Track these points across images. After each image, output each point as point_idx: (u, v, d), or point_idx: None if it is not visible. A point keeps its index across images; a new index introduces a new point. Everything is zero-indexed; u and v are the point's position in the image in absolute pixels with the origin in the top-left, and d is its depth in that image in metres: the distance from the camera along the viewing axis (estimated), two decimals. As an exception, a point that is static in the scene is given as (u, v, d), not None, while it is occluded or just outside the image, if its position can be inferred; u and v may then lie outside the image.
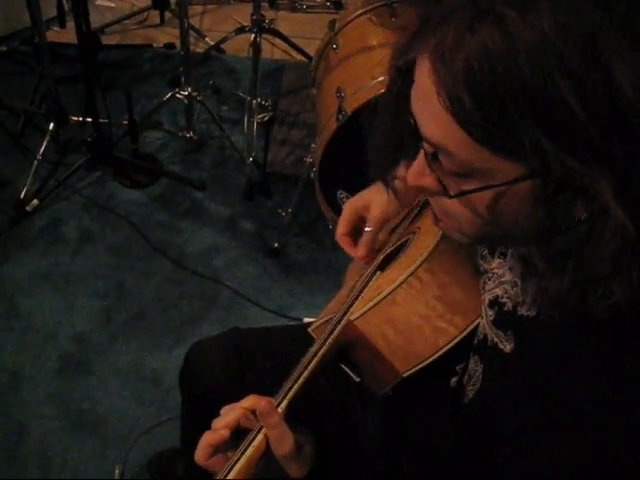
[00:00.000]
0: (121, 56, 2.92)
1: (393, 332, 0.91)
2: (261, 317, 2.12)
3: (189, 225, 2.37)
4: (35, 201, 2.32)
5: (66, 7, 2.70)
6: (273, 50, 3.02)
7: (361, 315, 0.92)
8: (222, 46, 2.94)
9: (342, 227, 1.17)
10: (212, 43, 2.96)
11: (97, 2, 3.18)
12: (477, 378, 0.90)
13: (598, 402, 0.72)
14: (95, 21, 2.53)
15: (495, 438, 0.82)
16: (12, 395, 1.91)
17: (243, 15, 2.94)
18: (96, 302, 2.13)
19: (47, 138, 2.40)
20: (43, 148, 2.39)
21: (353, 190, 1.19)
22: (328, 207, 2.16)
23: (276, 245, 2.29)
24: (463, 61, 0.64)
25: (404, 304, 0.92)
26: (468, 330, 0.92)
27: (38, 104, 2.52)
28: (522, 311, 0.81)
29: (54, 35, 2.78)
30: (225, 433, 0.85)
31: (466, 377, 0.93)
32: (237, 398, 0.89)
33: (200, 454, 0.86)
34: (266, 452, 0.84)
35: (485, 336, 0.88)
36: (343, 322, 0.93)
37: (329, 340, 0.92)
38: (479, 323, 0.91)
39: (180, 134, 2.61)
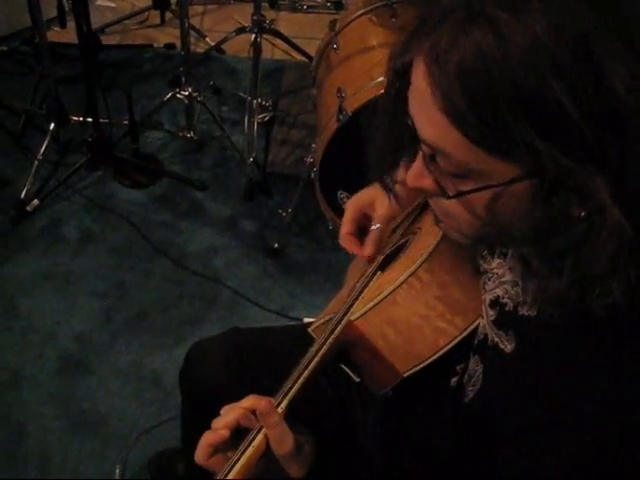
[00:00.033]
0: (121, 56, 2.92)
1: (393, 332, 0.91)
2: (261, 317, 2.12)
3: (189, 225, 2.38)
4: (35, 201, 2.33)
5: (66, 7, 2.70)
6: (273, 50, 3.02)
7: (361, 315, 0.92)
8: (222, 46, 2.94)
9: (347, 226, 1.14)
10: (212, 43, 2.96)
11: (97, 2, 3.18)
12: (477, 378, 0.90)
13: (598, 402, 0.72)
14: (95, 21, 2.53)
15: (495, 438, 0.82)
16: (12, 395, 1.91)
17: (244, 15, 2.94)
18: (96, 302, 2.13)
19: (48, 138, 2.40)
20: (44, 148, 2.39)
21: (353, 190, 1.19)
22: (328, 207, 2.16)
23: (276, 245, 2.29)
24: (457, 63, 0.65)
25: (404, 304, 0.92)
26: (468, 330, 0.92)
27: (39, 104, 2.52)
28: (523, 311, 0.81)
29: (55, 35, 2.78)
30: (225, 433, 0.85)
31: (466, 377, 0.93)
32: (237, 398, 0.89)
33: (200, 454, 0.86)
34: (266, 452, 0.84)
35: (485, 336, 0.88)
36: (343, 322, 0.93)
37: (329, 340, 0.92)
38: (479, 323, 0.91)
39: (180, 134, 2.61)
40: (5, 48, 2.81)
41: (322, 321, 1.00)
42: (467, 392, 0.92)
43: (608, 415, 0.72)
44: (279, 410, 0.86)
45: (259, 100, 2.50)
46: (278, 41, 2.91)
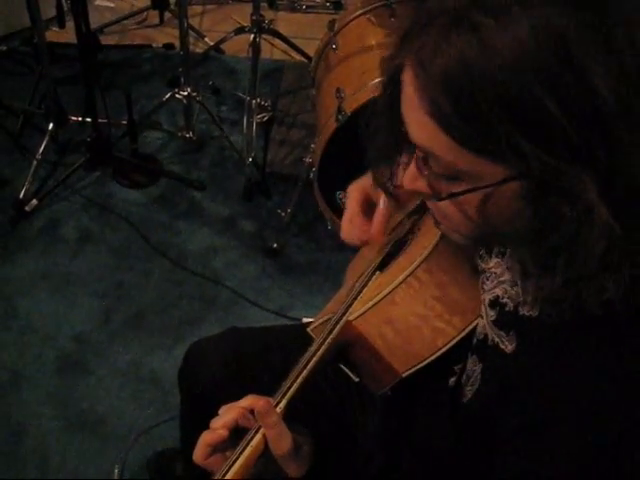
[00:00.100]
0: (120, 56, 2.92)
1: (392, 332, 0.92)
2: (260, 317, 2.12)
3: (188, 225, 2.37)
4: (34, 201, 2.32)
5: (65, 7, 2.70)
6: (272, 50, 3.02)
7: (360, 315, 0.92)
8: (221, 46, 2.94)
9: (353, 206, 1.12)
10: (211, 43, 2.96)
11: (96, 2, 3.18)
12: (476, 378, 0.90)
13: (598, 402, 0.73)
14: (94, 21, 2.53)
15: (494, 438, 0.82)
16: (11, 395, 1.91)
17: (242, 15, 2.94)
18: (95, 302, 2.13)
19: (46, 138, 2.40)
20: (42, 148, 2.39)
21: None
22: (327, 207, 2.16)
23: (275, 245, 2.29)
24: (441, 68, 0.66)
25: (403, 304, 0.92)
26: (467, 330, 0.92)
27: (37, 104, 2.52)
28: (524, 311, 0.81)
29: (53, 35, 2.78)
30: (223, 433, 0.85)
31: (464, 377, 0.93)
32: (236, 398, 0.89)
33: (198, 454, 0.86)
34: (264, 452, 0.84)
35: (485, 336, 0.88)
36: (342, 322, 0.93)
37: (328, 340, 0.92)
38: (478, 323, 0.91)
39: (179, 134, 2.61)
40: (4, 48, 2.81)
41: (321, 321, 1.00)
42: (465, 392, 0.92)
43: (608, 415, 0.72)
44: (277, 410, 0.86)
45: (258, 100, 2.49)
46: (277, 41, 2.91)
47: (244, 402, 0.88)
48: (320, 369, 0.91)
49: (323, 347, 0.91)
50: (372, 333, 0.92)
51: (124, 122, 2.41)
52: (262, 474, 0.85)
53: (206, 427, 0.87)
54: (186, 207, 2.43)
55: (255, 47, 2.42)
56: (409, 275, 0.92)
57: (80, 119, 2.43)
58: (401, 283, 0.92)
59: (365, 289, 0.98)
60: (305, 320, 1.95)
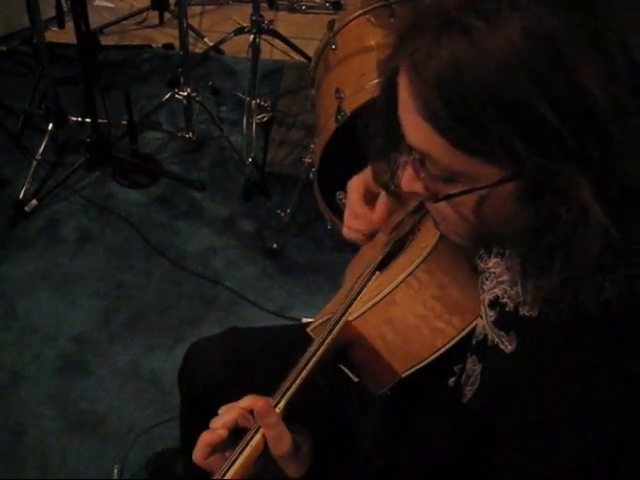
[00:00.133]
0: (120, 56, 2.92)
1: (391, 332, 0.92)
2: (260, 317, 2.12)
3: (188, 225, 2.37)
4: (34, 201, 2.32)
5: (65, 7, 2.70)
6: (272, 51, 3.02)
7: (360, 315, 0.92)
8: (221, 47, 2.94)
9: (354, 197, 1.12)
10: (211, 44, 2.96)
11: (96, 3, 3.18)
12: (475, 378, 0.90)
13: (598, 401, 0.73)
14: (94, 21, 2.53)
15: (494, 438, 0.82)
16: (11, 395, 1.91)
17: (242, 16, 2.94)
18: (95, 302, 2.13)
19: (46, 138, 2.40)
20: (42, 148, 2.39)
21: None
22: (327, 208, 2.16)
23: (275, 246, 2.29)
24: (434, 71, 0.67)
25: (402, 304, 0.92)
26: (466, 331, 0.92)
27: (37, 104, 2.52)
28: (524, 311, 0.81)
29: (53, 35, 2.78)
30: (223, 433, 0.85)
31: (464, 377, 0.93)
32: (235, 398, 0.89)
33: (198, 454, 0.86)
34: (264, 452, 0.84)
35: (485, 336, 0.88)
36: (342, 322, 0.93)
37: (327, 340, 0.92)
38: (478, 323, 0.91)
39: (179, 134, 2.61)
40: (4, 48, 2.81)
41: (320, 321, 1.00)
42: (465, 392, 0.92)
43: (608, 415, 0.72)
44: (277, 410, 0.86)
45: (258, 100, 2.50)
46: (277, 41, 2.91)
47: (244, 402, 0.88)
48: (320, 369, 0.91)
49: (323, 347, 0.91)
50: (372, 333, 0.92)
51: (124, 122, 2.41)
52: (262, 474, 0.86)
53: (206, 427, 0.87)
54: (186, 207, 2.43)
55: (255, 47, 2.42)
56: (409, 275, 0.92)
57: (80, 119, 2.43)
58: (401, 283, 0.92)
59: (365, 289, 0.98)
60: (305, 320, 1.95)
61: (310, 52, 2.51)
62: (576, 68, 0.64)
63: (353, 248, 1.19)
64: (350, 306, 0.95)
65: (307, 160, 2.17)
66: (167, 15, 3.08)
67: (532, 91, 0.64)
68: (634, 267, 0.70)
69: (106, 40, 2.95)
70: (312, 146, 2.15)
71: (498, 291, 0.87)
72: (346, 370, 0.96)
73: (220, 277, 2.23)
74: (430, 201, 0.79)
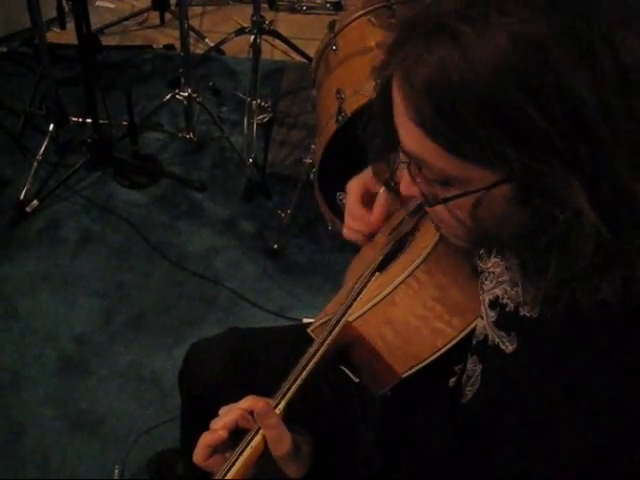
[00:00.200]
0: (121, 57, 2.93)
1: (392, 333, 0.92)
2: (260, 318, 2.12)
3: (189, 226, 2.38)
4: (35, 202, 2.33)
5: (66, 8, 2.70)
6: (273, 51, 3.02)
7: (360, 316, 0.92)
8: (222, 47, 2.94)
9: (353, 200, 1.13)
10: (212, 44, 2.96)
11: (97, 3, 3.18)
12: (476, 378, 0.90)
13: (598, 402, 0.73)
14: (95, 22, 2.53)
15: (494, 438, 0.82)
16: (11, 395, 1.91)
17: (243, 16, 2.94)
18: (96, 303, 2.13)
19: (47, 139, 2.41)
20: (43, 149, 2.39)
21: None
22: (327, 208, 2.16)
23: (276, 246, 2.29)
24: (424, 77, 0.68)
25: (402, 305, 0.92)
26: (466, 331, 0.92)
27: (38, 105, 2.52)
28: (524, 312, 0.82)
29: (54, 36, 2.78)
30: (223, 434, 0.85)
31: (464, 377, 0.93)
32: (236, 398, 0.89)
33: (198, 454, 0.87)
34: (264, 453, 0.84)
35: (485, 337, 0.88)
36: (342, 323, 0.93)
37: (328, 341, 0.92)
38: (478, 324, 0.91)
39: (180, 135, 2.61)
40: (5, 49, 2.81)
41: (321, 322, 1.00)
42: (465, 392, 0.92)
43: (608, 415, 0.73)
44: (277, 411, 0.86)
45: (258, 101, 2.50)
46: (277, 42, 2.91)
47: (244, 403, 0.88)
48: (320, 370, 0.91)
49: (323, 348, 0.91)
50: (372, 334, 0.92)
51: (125, 123, 2.41)
52: (262, 475, 0.86)
53: (206, 428, 0.87)
54: (186, 208, 2.43)
55: (255, 48, 2.42)
56: (408, 276, 0.92)
57: (81, 120, 2.44)
58: (400, 284, 0.92)
59: (365, 290, 0.98)
60: (305, 321, 1.95)
61: (311, 53, 2.51)
62: (564, 71, 0.64)
63: (353, 249, 1.19)
64: (350, 307, 0.95)
65: (308, 161, 2.17)
66: (168, 16, 3.08)
67: (520, 95, 0.64)
68: (629, 268, 0.70)
69: (107, 41, 2.95)
70: (313, 147, 2.15)
71: (498, 291, 0.87)
72: (346, 371, 0.96)
73: (220, 277, 2.23)
74: (427, 205, 0.79)
